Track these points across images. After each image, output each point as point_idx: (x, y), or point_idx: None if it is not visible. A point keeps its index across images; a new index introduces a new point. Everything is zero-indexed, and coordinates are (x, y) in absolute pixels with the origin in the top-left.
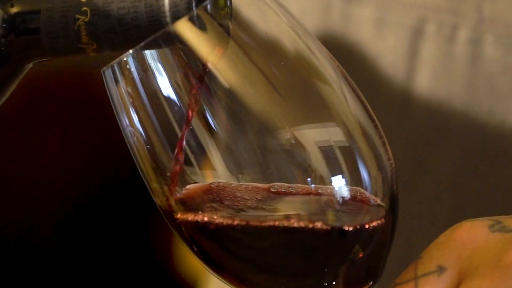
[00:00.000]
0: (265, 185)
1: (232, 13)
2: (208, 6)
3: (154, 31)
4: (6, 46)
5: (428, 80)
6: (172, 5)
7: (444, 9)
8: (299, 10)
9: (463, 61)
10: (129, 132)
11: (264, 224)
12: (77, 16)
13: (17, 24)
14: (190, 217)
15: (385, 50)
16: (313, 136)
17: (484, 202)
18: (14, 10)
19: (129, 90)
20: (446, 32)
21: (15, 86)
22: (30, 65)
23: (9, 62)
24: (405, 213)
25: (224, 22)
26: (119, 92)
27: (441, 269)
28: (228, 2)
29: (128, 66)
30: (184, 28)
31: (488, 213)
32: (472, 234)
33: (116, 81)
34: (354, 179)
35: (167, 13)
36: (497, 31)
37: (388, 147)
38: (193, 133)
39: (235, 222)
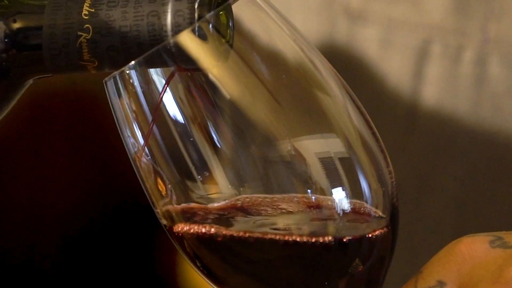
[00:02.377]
0: (263, 196)
1: (234, 34)
2: (210, 21)
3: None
4: (7, 61)
5: (433, 100)
6: (175, 25)
7: (449, 29)
8: (303, 30)
9: (468, 82)
10: (131, 144)
11: (264, 237)
12: (79, 33)
13: (19, 40)
14: (191, 229)
15: (390, 70)
16: (314, 148)
17: (488, 221)
18: (16, 25)
19: (131, 102)
20: (451, 53)
21: (15, 101)
22: (31, 81)
23: (10, 77)
24: (409, 231)
25: (227, 41)
26: (121, 104)
27: (441, 284)
28: (230, 23)
29: (130, 79)
30: (186, 41)
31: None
32: (473, 250)
33: (118, 93)
34: (354, 191)
35: (169, 32)
36: (502, 51)
37: (389, 160)
38: (194, 145)
39: (236, 235)
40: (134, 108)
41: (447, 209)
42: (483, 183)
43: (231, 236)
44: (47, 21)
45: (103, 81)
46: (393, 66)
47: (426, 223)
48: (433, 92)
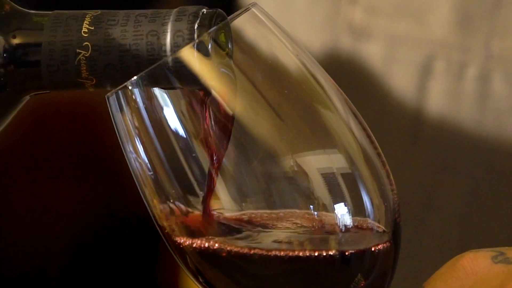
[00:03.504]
0: (268, 212)
1: (232, 54)
2: (211, 36)
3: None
4: (5, 76)
5: (437, 116)
6: (174, 45)
7: (452, 45)
8: (307, 46)
9: (471, 98)
10: (133, 159)
11: (267, 253)
12: (78, 50)
13: (18, 56)
14: (194, 243)
15: (394, 86)
16: (316, 163)
17: (491, 240)
18: (16, 41)
19: (134, 118)
20: (454, 69)
21: (12, 117)
22: (28, 97)
23: (7, 93)
24: (412, 249)
25: (226, 60)
26: (124, 120)
27: None
28: (229, 43)
29: (133, 95)
30: (188, 56)
31: None
32: (475, 265)
33: (121, 108)
34: (356, 207)
35: (168, 52)
36: (505, 68)
37: (391, 176)
38: (196, 161)
39: (239, 250)
40: (136, 124)
41: (451, 225)
42: (486, 199)
43: (234, 252)
44: (46, 37)
45: (105, 97)
46: (397, 82)
47: (430, 239)
48: (436, 108)
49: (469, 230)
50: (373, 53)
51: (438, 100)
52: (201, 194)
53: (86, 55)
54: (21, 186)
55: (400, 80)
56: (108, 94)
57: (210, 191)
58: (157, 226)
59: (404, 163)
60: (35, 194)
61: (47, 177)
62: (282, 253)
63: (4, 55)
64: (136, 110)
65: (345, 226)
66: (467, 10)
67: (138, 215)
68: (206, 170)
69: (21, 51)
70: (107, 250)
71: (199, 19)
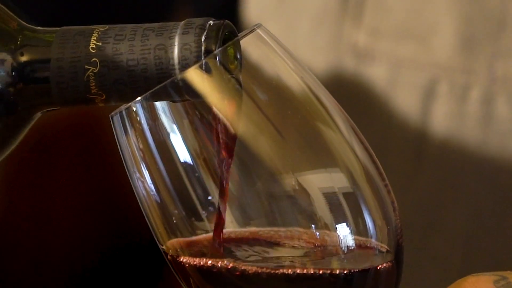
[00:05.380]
0: (269, 230)
1: (242, 65)
2: (218, 57)
3: (159, 80)
4: (15, 95)
5: (440, 139)
6: (182, 58)
7: (456, 68)
8: (311, 68)
9: (475, 121)
10: (137, 179)
11: (271, 271)
12: (87, 66)
13: (26, 73)
14: (196, 263)
15: (398, 109)
16: (319, 183)
17: (495, 261)
18: (23, 58)
19: (138, 139)
20: (458, 92)
21: (23, 135)
22: (39, 114)
23: (18, 111)
24: (416, 270)
25: (234, 73)
26: (128, 141)
27: None
28: (237, 55)
29: (137, 117)
30: (193, 77)
31: None
32: None
33: (125, 129)
34: (359, 228)
35: (176, 66)
36: (509, 90)
37: (393, 197)
38: (199, 181)
39: (246, 269)
40: (141, 146)
41: (455, 246)
42: (490, 220)
43: (240, 271)
44: (54, 54)
45: (110, 116)
46: (400, 105)
47: (434, 260)
48: (440, 130)
49: (473, 251)
50: (376, 76)
51: (442, 122)
52: (203, 214)
53: (95, 71)
54: (23, 207)
55: (404, 102)
56: (112, 113)
57: (221, 214)
58: (160, 248)
59: (408, 184)
60: (37, 214)
61: (49, 196)
62: (284, 271)
63: (13, 73)
64: (140, 132)
65: (347, 246)
66: (470, 33)
67: (142, 235)
68: (209, 190)
69: (30, 68)
70: (110, 271)
71: (206, 31)
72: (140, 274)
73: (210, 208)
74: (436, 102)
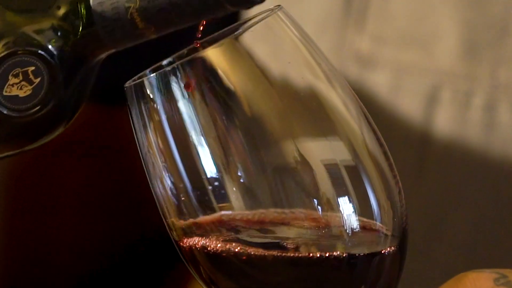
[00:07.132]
0: (273, 211)
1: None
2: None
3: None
4: (72, 50)
5: (443, 145)
6: None
7: (458, 75)
8: None
9: (477, 127)
10: (146, 153)
11: (270, 253)
12: (127, 5)
13: (76, 26)
14: (202, 244)
15: (400, 115)
16: (321, 154)
17: (498, 267)
18: (61, 11)
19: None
20: (460, 98)
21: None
22: (103, 55)
23: (83, 62)
24: (419, 277)
25: None
26: (139, 112)
27: None
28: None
29: (149, 89)
30: (213, 55)
31: None
32: (477, 286)
33: (138, 100)
34: (364, 211)
35: None
36: (511, 97)
37: (400, 185)
38: (206, 159)
39: (249, 252)
40: (156, 118)
41: (458, 253)
42: (493, 227)
43: (243, 254)
44: (95, 1)
45: (123, 87)
46: (403, 111)
47: (436, 267)
48: (443, 137)
49: (476, 258)
50: (379, 82)
51: (444, 129)
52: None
53: (136, 7)
54: (28, 208)
55: (406, 109)
56: (126, 84)
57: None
58: (169, 233)
59: (410, 191)
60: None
61: (55, 197)
62: (286, 255)
63: (59, 32)
64: (152, 105)
65: (352, 229)
66: (473, 40)
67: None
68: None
69: (70, 20)
70: (117, 274)
71: None
72: (150, 272)
73: (216, 187)
74: (439, 109)
